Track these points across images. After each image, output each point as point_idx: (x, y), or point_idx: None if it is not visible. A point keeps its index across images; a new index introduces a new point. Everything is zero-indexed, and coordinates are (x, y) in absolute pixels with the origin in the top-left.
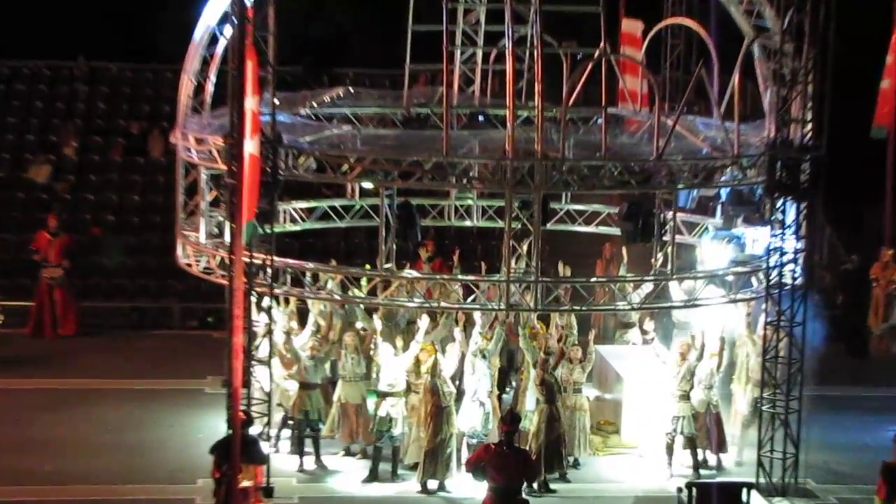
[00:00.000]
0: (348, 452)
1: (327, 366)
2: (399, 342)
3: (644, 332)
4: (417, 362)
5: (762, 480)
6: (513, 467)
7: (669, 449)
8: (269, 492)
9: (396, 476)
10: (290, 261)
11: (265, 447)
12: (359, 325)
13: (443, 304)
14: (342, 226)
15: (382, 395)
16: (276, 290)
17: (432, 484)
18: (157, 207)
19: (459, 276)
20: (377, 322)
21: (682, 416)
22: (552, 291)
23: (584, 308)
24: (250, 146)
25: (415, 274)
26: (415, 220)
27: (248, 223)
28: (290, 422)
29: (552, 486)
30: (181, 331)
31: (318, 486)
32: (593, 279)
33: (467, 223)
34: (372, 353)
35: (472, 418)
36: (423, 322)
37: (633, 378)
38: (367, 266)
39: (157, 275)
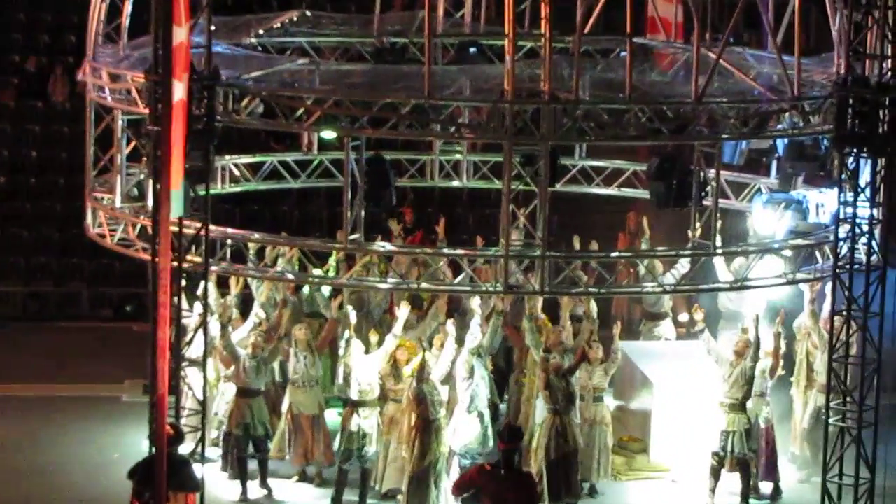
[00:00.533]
0: (303, 477)
1: (276, 367)
2: (373, 337)
3: (690, 325)
4: (396, 364)
5: None
6: (511, 495)
7: (716, 473)
8: None
9: None
10: (231, 230)
11: (198, 470)
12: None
13: (424, 285)
14: (296, 187)
15: (353, 405)
16: (213, 268)
17: None
18: (61, 166)
19: (446, 251)
20: (351, 313)
21: (734, 432)
22: (562, 270)
23: (602, 291)
24: (180, 87)
25: (389, 248)
26: (389, 178)
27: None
28: (228, 438)
29: None
30: (91, 322)
31: None
32: (614, 254)
33: (455, 183)
34: (340, 351)
35: (467, 434)
36: (403, 312)
37: (665, 383)
38: (334, 240)
39: (60, 251)
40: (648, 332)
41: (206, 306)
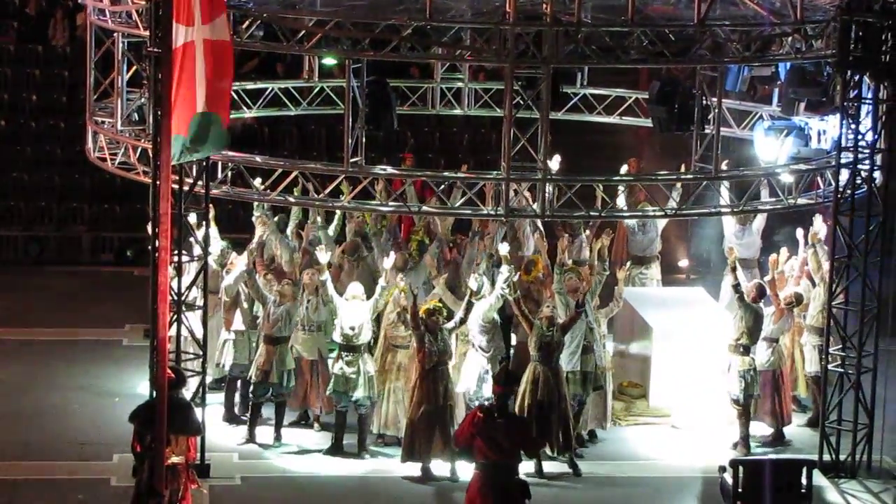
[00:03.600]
0: (303, 419)
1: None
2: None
3: (690, 270)
4: (402, 309)
5: (826, 457)
6: (504, 439)
7: (745, 419)
8: (204, 470)
9: (364, 451)
10: (235, 154)
11: (199, 414)
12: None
13: (425, 208)
14: (295, 114)
15: (339, 349)
16: (213, 192)
17: (414, 467)
18: (61, 109)
19: (446, 174)
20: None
21: (747, 371)
22: (564, 194)
23: (603, 213)
24: (182, 31)
25: (391, 171)
26: (390, 101)
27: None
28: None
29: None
30: (92, 266)
31: (266, 463)
32: (616, 178)
33: (456, 112)
34: (322, 293)
35: (469, 375)
36: (389, 260)
37: (665, 329)
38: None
39: (60, 196)
40: (636, 276)
41: (205, 249)
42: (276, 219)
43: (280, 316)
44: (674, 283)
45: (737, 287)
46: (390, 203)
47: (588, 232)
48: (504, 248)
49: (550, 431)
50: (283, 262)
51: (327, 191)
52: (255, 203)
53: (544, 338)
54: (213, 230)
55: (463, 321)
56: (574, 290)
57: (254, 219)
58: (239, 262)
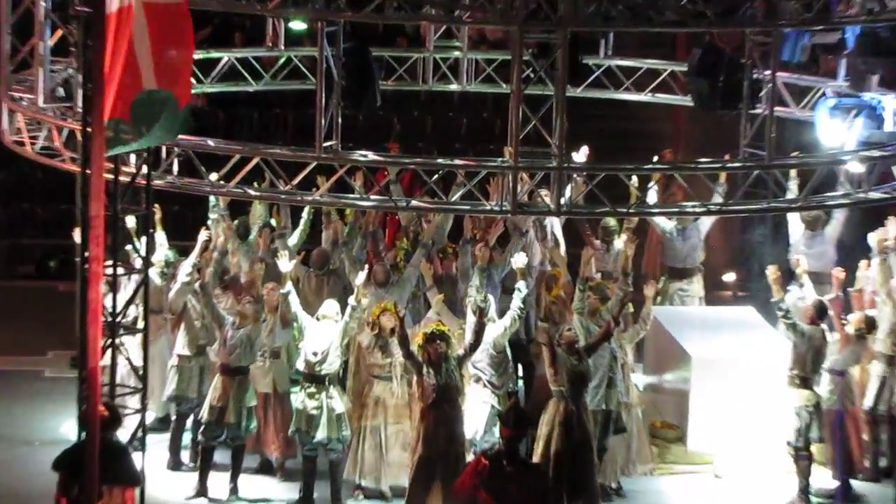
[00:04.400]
0: (264, 468)
1: (263, 337)
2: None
3: (735, 286)
4: (381, 332)
5: None
6: (515, 487)
7: (805, 467)
8: None
9: None
10: (182, 137)
11: (137, 460)
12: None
13: (415, 203)
14: (257, 90)
15: (305, 379)
16: (157, 182)
17: None
18: None
19: (441, 161)
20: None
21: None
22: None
23: (630, 210)
24: None
25: (372, 157)
26: (372, 74)
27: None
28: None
29: None
30: (7, 281)
31: None
32: (648, 167)
33: (453, 87)
34: (282, 310)
35: (476, 416)
36: (362, 275)
37: (706, 357)
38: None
39: None
40: (673, 293)
41: (147, 259)
42: (234, 223)
43: (240, 341)
44: (717, 302)
45: (780, 305)
46: (372, 196)
47: (625, 236)
48: (521, 260)
49: (588, 484)
50: (244, 275)
51: (296, 180)
52: (211, 203)
53: (575, 368)
54: (159, 235)
55: (474, 348)
56: (593, 314)
57: (210, 221)
58: (182, 268)
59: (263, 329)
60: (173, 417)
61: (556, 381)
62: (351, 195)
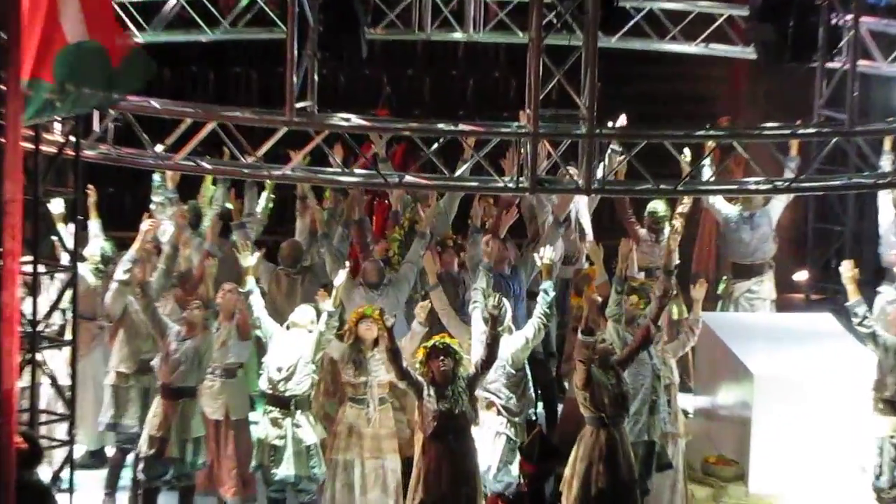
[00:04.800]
0: None
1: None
2: (323, 303)
3: (808, 287)
4: (359, 343)
5: None
6: None
7: None
8: None
9: None
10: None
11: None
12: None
13: (410, 179)
14: (213, 40)
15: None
16: (88, 153)
17: None
18: None
19: (442, 127)
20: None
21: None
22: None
23: (679, 188)
24: None
25: (356, 121)
26: (357, 18)
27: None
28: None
29: None
30: None
31: None
32: (700, 133)
33: (456, 36)
34: (239, 317)
35: (488, 450)
36: (341, 275)
37: (773, 376)
38: None
39: None
40: (739, 295)
41: (75, 253)
42: (184, 208)
43: (185, 356)
44: (786, 307)
45: (855, 310)
46: (356, 171)
47: (676, 224)
48: (548, 254)
49: None
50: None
51: (261, 151)
52: (155, 182)
53: (615, 388)
54: (93, 224)
55: (487, 365)
56: (632, 321)
57: (154, 206)
58: (119, 265)
59: (215, 340)
60: (110, 451)
61: (592, 406)
62: (329, 170)
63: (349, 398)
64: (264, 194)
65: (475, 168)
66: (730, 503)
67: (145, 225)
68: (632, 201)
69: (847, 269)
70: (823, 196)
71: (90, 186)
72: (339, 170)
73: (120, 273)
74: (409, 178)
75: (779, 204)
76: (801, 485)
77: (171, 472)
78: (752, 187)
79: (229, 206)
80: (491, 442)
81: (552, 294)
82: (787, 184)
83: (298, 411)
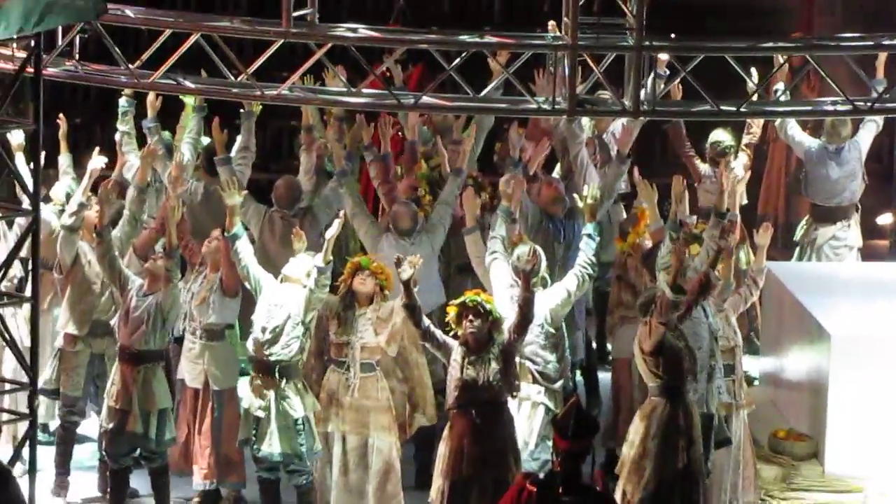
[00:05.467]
0: (209, 499)
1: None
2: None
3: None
4: (353, 299)
5: None
6: None
7: None
8: None
9: None
10: None
11: (23, 487)
12: None
13: (428, 98)
14: None
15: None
16: (50, 70)
17: None
18: None
19: (465, 38)
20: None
21: None
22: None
23: (741, 109)
24: None
25: (364, 32)
26: None
27: None
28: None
29: None
30: None
31: None
32: (769, 45)
33: None
34: (225, 268)
35: (520, 425)
36: (335, 225)
37: (853, 338)
38: None
39: None
40: (824, 243)
41: (35, 195)
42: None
43: (146, 314)
44: (871, 256)
45: None
46: (364, 91)
47: (743, 158)
48: (593, 192)
49: None
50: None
51: (253, 67)
52: (122, 107)
53: (686, 352)
54: (64, 159)
55: (523, 327)
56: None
57: (120, 136)
58: (67, 206)
59: (194, 296)
60: (53, 426)
61: (667, 374)
62: (333, 89)
63: (332, 360)
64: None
65: (505, 88)
66: (803, 485)
67: (96, 161)
68: (689, 132)
69: None
70: None
71: (60, 116)
72: (343, 89)
73: (66, 217)
74: (426, 99)
75: (867, 135)
76: (886, 464)
77: (138, 449)
78: (830, 108)
79: (206, 139)
80: (527, 415)
81: (597, 239)
82: (870, 104)
83: (284, 380)
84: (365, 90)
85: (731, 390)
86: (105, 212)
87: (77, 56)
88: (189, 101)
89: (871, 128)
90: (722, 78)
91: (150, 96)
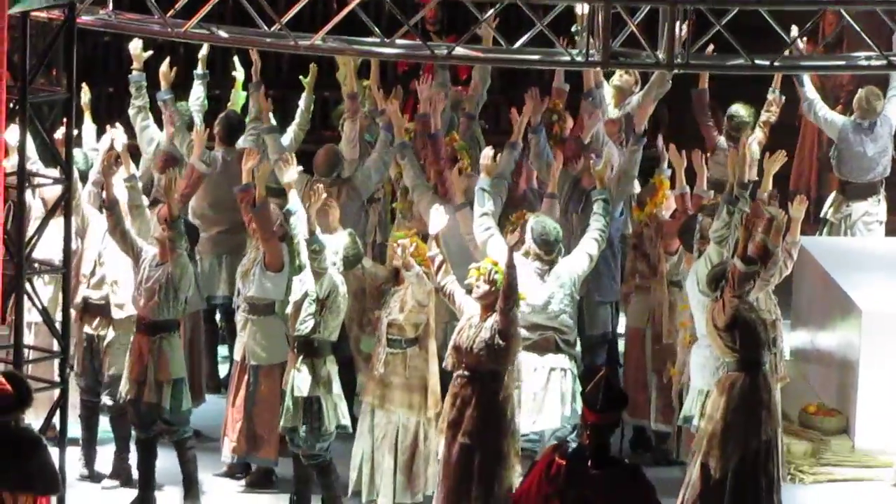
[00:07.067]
0: (233, 473)
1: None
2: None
3: None
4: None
5: None
6: (603, 500)
7: None
8: None
9: None
10: None
11: (55, 458)
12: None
13: (461, 50)
14: None
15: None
16: (85, 18)
17: None
18: None
19: None
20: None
21: None
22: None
23: (777, 64)
24: None
25: None
26: None
27: None
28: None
29: None
30: None
31: None
32: None
33: None
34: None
35: (552, 400)
36: (314, 207)
37: (884, 313)
38: None
39: None
40: (858, 219)
41: (66, 159)
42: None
43: (157, 284)
44: None
45: None
46: (397, 42)
47: (759, 133)
48: (605, 157)
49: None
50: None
51: (287, 17)
52: (134, 79)
53: (761, 322)
54: (88, 130)
55: (508, 300)
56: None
57: (132, 111)
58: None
59: (242, 268)
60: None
61: (744, 347)
62: (368, 40)
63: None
64: (304, 95)
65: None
66: (833, 460)
67: (107, 138)
68: (712, 104)
69: None
70: None
71: (83, 85)
72: (377, 40)
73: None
74: (459, 51)
75: (894, 108)
76: None
77: (160, 420)
78: (864, 63)
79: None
80: (558, 383)
81: (610, 204)
82: None
83: (301, 356)
84: (398, 41)
85: (773, 363)
86: (111, 184)
87: (111, 6)
88: (240, 76)
89: None
90: (757, 34)
91: (164, 67)
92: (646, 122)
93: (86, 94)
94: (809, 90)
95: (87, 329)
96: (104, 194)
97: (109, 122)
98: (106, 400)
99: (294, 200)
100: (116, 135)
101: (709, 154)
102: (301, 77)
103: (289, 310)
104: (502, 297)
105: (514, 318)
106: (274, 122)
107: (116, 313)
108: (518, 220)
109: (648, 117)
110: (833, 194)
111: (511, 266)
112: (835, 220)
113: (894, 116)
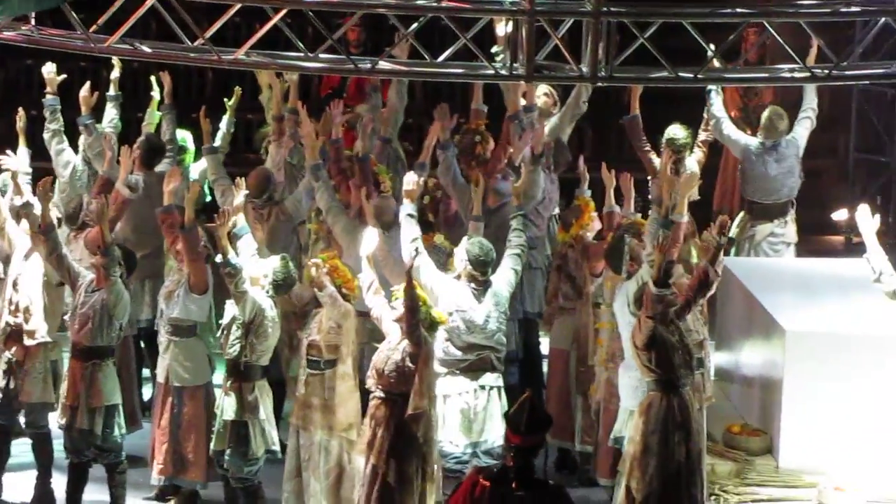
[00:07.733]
0: (164, 496)
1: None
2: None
3: (851, 227)
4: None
5: None
6: None
7: None
8: None
9: None
10: None
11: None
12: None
13: (385, 64)
14: None
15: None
16: (6, 34)
17: None
18: None
19: (423, 2)
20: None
21: None
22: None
23: (701, 76)
24: None
25: None
26: None
27: None
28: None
29: None
30: None
31: None
32: (727, 11)
33: None
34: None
35: (493, 418)
36: (239, 198)
37: (806, 332)
38: None
39: None
40: (762, 239)
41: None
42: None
43: (93, 310)
44: (821, 251)
45: (872, 263)
46: (321, 56)
47: (698, 154)
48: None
49: None
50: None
51: (210, 32)
52: (49, 103)
53: (680, 345)
54: (23, 153)
55: (410, 316)
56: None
57: (46, 135)
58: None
59: (169, 288)
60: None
61: (660, 368)
62: (290, 55)
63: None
64: (225, 118)
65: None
66: (757, 481)
67: (11, 162)
68: (646, 128)
69: (865, 216)
70: (866, 121)
71: (19, 110)
72: (301, 54)
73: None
74: (383, 65)
75: (803, 130)
76: (839, 459)
77: (94, 445)
78: (787, 75)
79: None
80: (494, 401)
81: (529, 220)
82: (827, 71)
83: (230, 381)
84: (322, 55)
85: (700, 383)
86: (47, 209)
87: (33, 21)
88: (157, 95)
89: (807, 123)
90: (681, 48)
91: (83, 91)
92: (542, 145)
93: (21, 119)
94: (717, 108)
95: (7, 354)
96: (38, 220)
97: (34, 146)
98: (24, 427)
99: (242, 223)
100: (10, 162)
101: (650, 179)
102: (225, 99)
103: (218, 333)
104: (404, 319)
105: (419, 341)
106: (217, 142)
107: (27, 340)
108: (426, 241)
109: (568, 138)
110: (741, 214)
111: (410, 287)
112: (739, 240)
113: (802, 139)
